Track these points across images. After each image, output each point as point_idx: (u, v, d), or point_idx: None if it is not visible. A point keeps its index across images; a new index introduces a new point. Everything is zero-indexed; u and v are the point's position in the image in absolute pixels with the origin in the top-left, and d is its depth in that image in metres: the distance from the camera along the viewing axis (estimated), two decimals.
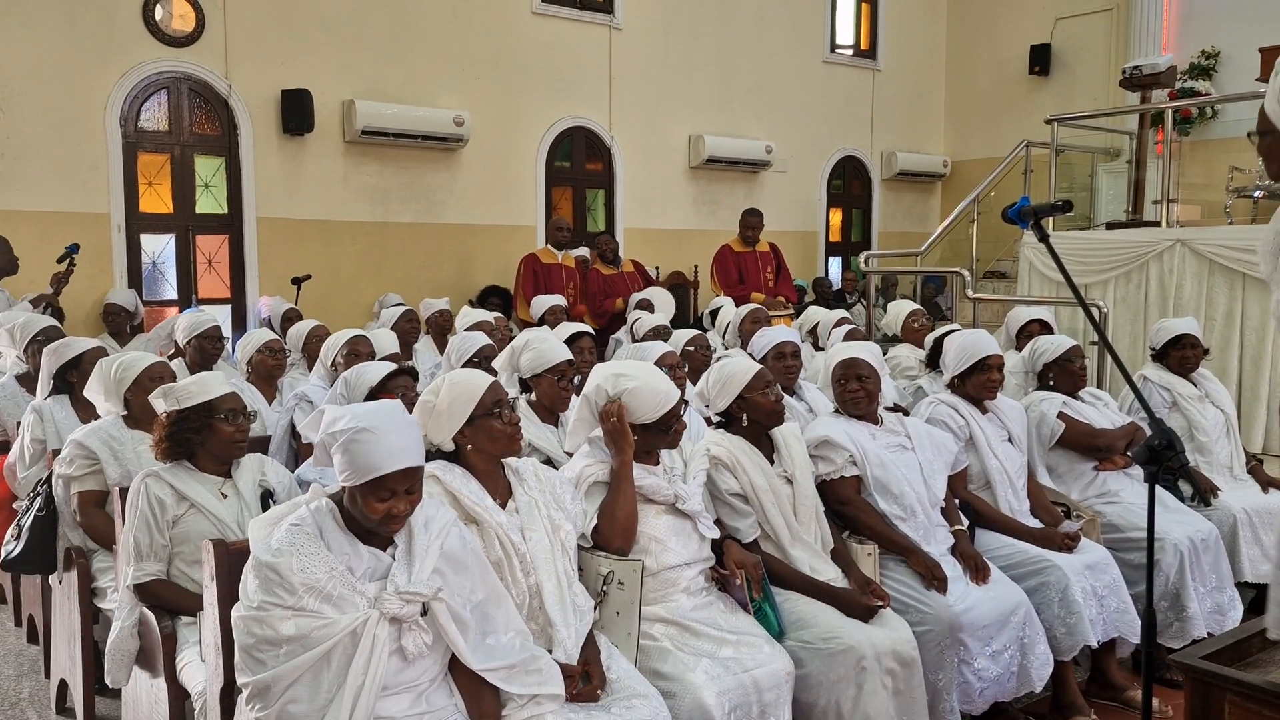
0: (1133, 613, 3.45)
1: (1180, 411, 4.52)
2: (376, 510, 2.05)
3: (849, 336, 4.94)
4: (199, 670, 2.59)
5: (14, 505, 3.74)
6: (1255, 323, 6.44)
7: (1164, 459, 1.95)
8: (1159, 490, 4.15)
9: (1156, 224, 7.56)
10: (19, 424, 4.04)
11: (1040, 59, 11.26)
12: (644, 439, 2.77)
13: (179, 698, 2.69)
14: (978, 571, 3.18)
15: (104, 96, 7.13)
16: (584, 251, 8.43)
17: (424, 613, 2.07)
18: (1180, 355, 4.56)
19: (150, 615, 2.80)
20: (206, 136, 7.65)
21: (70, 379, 4.00)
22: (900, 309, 5.84)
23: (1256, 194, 7.63)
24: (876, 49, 11.76)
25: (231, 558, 2.37)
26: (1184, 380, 4.56)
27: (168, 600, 2.82)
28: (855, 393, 3.30)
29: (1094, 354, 6.15)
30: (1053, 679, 3.23)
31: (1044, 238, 2.24)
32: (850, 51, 11.59)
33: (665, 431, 2.76)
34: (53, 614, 3.57)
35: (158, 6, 7.24)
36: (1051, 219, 7.81)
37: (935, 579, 3.06)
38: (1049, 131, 8.16)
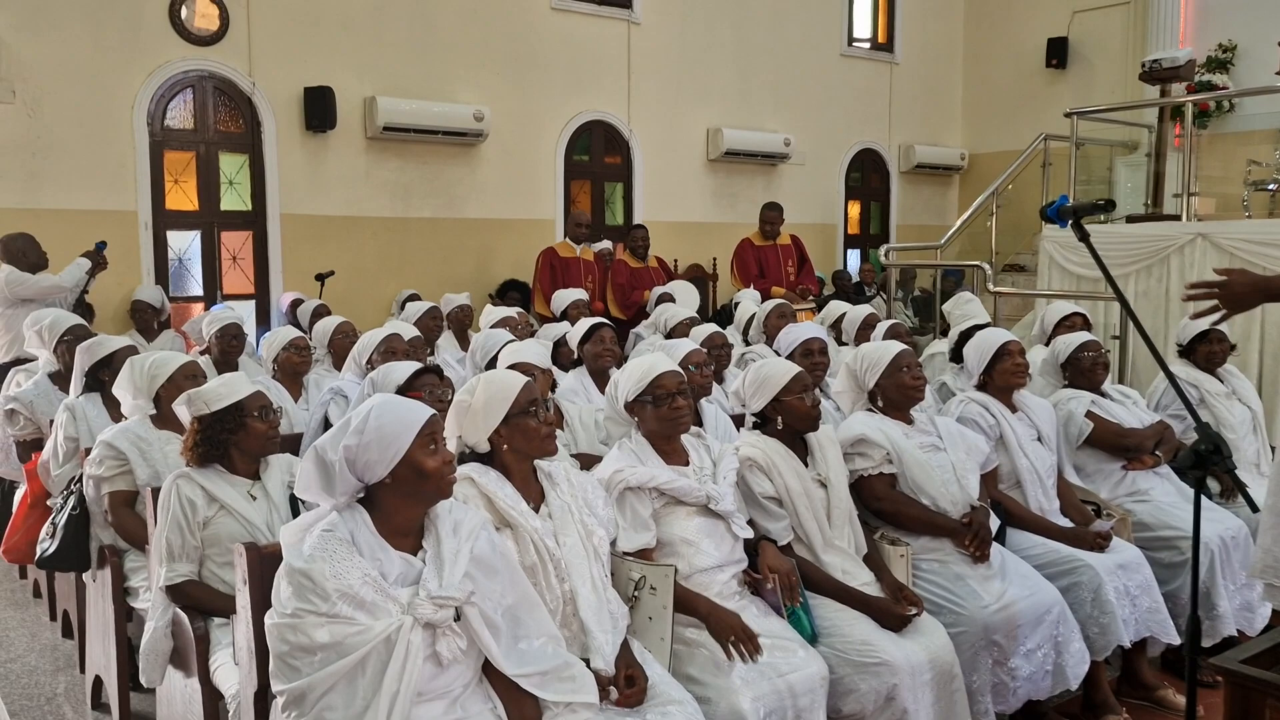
0: (1164, 612, 3.43)
1: (1207, 408, 4.48)
2: (435, 468, 2.08)
3: (890, 333, 4.87)
4: (232, 672, 2.61)
5: (48, 503, 3.77)
6: (1276, 317, 6.39)
7: (1210, 463, 1.93)
8: (1186, 488, 4.16)
9: (1177, 218, 7.50)
10: (52, 421, 4.08)
11: (1057, 52, 11.20)
12: (650, 421, 2.79)
13: (213, 699, 2.71)
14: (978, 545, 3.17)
15: (131, 96, 7.18)
16: (606, 244, 8.43)
17: (457, 617, 2.06)
18: (1208, 350, 4.52)
19: (183, 616, 2.82)
20: (231, 134, 7.69)
21: (102, 377, 4.03)
22: (971, 314, 5.52)
23: (1271, 187, 7.57)
24: (894, 42, 11.71)
25: (264, 561, 2.37)
26: (1211, 376, 4.53)
27: (200, 601, 2.84)
28: (920, 380, 3.30)
29: (1115, 348, 6.12)
30: (1084, 678, 3.21)
31: (1085, 237, 2.22)
32: (868, 45, 11.54)
33: (656, 404, 2.77)
34: (87, 611, 3.61)
35: (183, 6, 7.28)
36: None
37: (982, 549, 3.09)
38: (1067, 125, 8.13)
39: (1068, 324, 5.23)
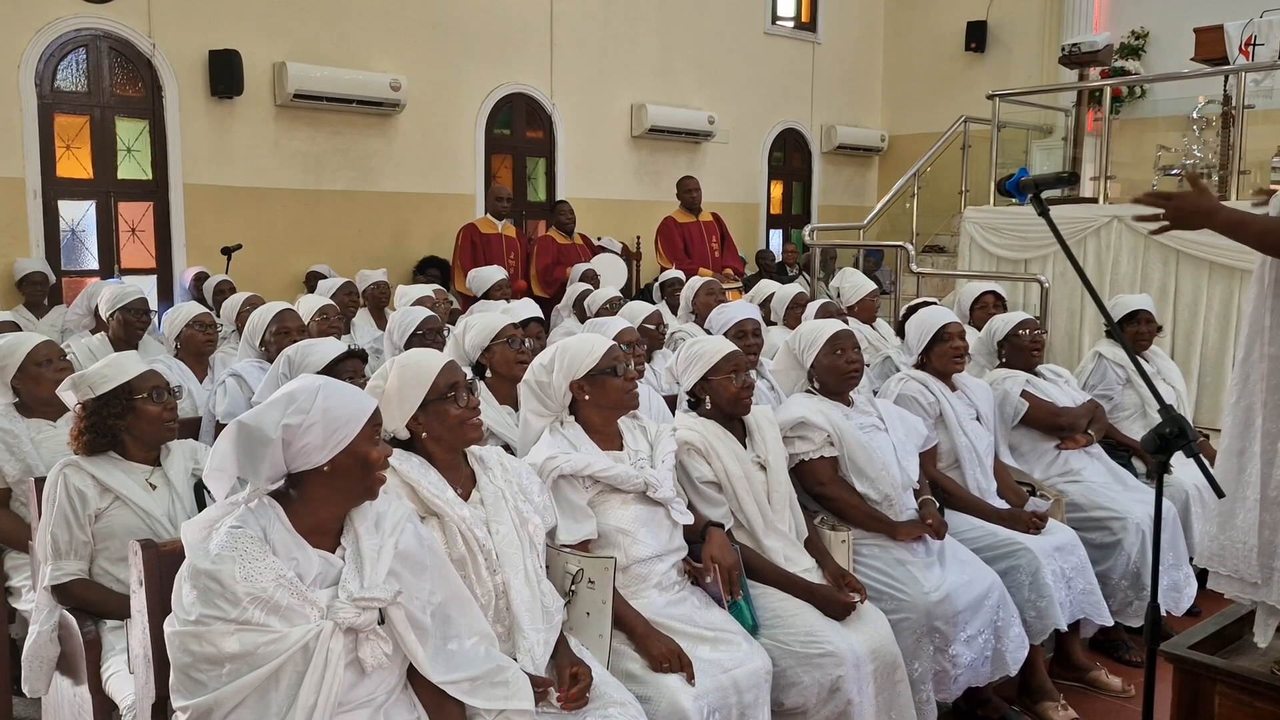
0: (1098, 594, 3.43)
1: (1133, 388, 4.52)
2: (376, 459, 1.92)
3: (822, 312, 4.80)
4: (127, 681, 2.37)
5: None
6: (1188, 298, 6.54)
7: (1175, 447, 1.85)
8: (1117, 468, 4.19)
9: (1094, 200, 7.61)
10: None
11: (976, 36, 11.31)
12: (599, 397, 2.62)
13: (105, 710, 2.47)
14: (935, 534, 3.13)
15: (18, 54, 6.66)
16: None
17: (381, 620, 1.89)
18: (1135, 331, 4.54)
19: (71, 619, 2.56)
20: (129, 98, 7.21)
21: None
22: (859, 284, 5.65)
23: (1175, 172, 7.73)
24: (817, 22, 11.67)
25: (162, 560, 2.15)
26: (1138, 356, 4.56)
27: (91, 602, 2.59)
28: (855, 364, 3.19)
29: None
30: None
31: (1044, 211, 2.12)
32: (791, 24, 11.49)
33: (614, 374, 2.62)
34: None
35: None
36: (992, 195, 7.93)
37: (933, 531, 3.06)
38: (985, 108, 8.15)
39: (980, 304, 5.24)
